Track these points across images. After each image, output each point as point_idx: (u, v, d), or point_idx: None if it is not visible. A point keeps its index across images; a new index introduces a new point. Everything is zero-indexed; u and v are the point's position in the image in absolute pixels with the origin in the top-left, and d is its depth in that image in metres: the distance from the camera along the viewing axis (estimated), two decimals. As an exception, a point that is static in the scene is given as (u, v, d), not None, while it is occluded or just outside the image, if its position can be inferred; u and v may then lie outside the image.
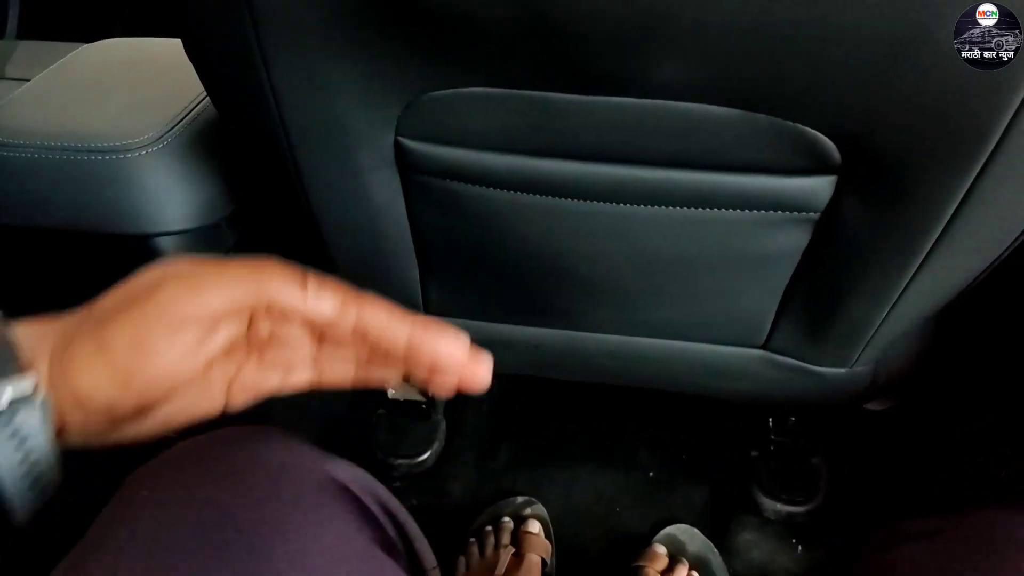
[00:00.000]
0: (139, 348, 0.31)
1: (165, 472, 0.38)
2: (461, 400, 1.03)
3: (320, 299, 0.33)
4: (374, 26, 0.40)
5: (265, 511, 0.37)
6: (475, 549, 0.89)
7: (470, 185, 0.51)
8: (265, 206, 0.65)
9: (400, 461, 0.97)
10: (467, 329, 0.69)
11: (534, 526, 0.90)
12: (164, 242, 0.58)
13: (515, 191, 0.51)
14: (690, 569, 0.85)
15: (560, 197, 0.50)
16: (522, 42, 0.39)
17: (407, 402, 0.99)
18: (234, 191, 0.61)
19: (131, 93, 0.60)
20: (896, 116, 0.39)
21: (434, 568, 0.51)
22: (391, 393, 0.98)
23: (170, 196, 0.56)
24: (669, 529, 0.91)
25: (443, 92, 0.45)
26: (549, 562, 0.87)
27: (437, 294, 0.66)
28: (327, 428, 0.92)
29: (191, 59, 0.47)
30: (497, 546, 0.87)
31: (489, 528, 0.90)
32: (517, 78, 0.44)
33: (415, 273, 0.64)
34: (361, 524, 0.45)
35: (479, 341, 0.73)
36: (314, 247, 0.61)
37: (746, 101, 0.42)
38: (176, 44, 0.68)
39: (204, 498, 0.37)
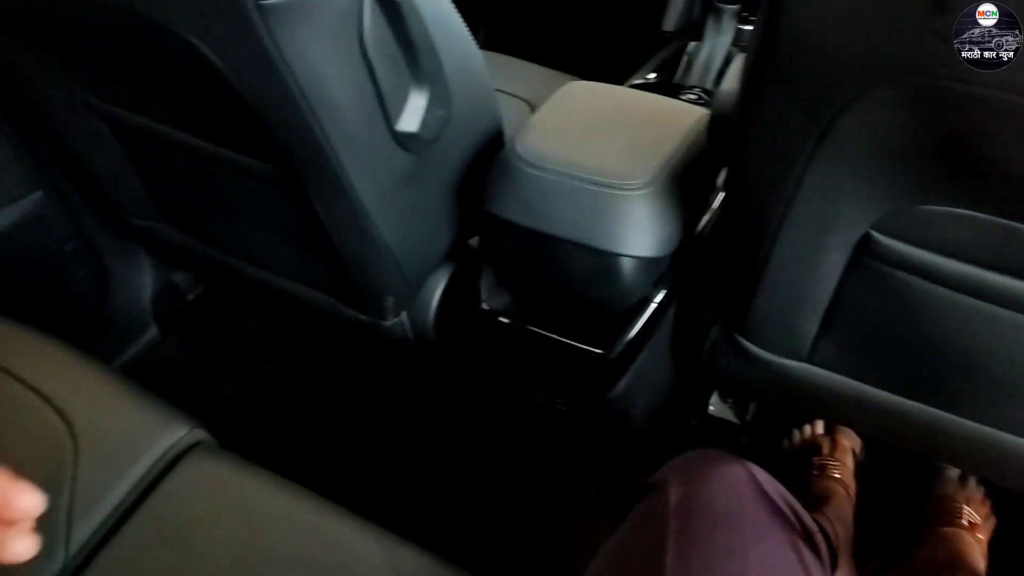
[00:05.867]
0: None
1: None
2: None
3: None
4: (919, 160, 0.50)
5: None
6: (796, 434, 1.05)
7: (919, 279, 0.60)
8: (702, 246, 0.79)
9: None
10: (834, 384, 0.78)
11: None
12: (626, 263, 0.73)
13: (961, 293, 0.59)
14: None
15: (1002, 307, 0.58)
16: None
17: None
18: (685, 231, 0.75)
19: (625, 137, 0.75)
20: None
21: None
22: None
23: (648, 228, 0.71)
24: None
25: (933, 208, 0.55)
26: (859, 453, 1.01)
27: (826, 349, 0.75)
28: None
29: (725, 157, 0.61)
30: (813, 432, 1.04)
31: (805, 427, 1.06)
32: (1004, 210, 0.52)
33: (813, 327, 0.73)
34: (788, 532, 0.56)
35: (843, 396, 0.82)
36: (738, 286, 0.73)
37: None
38: (646, 97, 0.84)
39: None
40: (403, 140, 0.66)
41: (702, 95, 1.24)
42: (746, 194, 0.62)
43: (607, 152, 0.74)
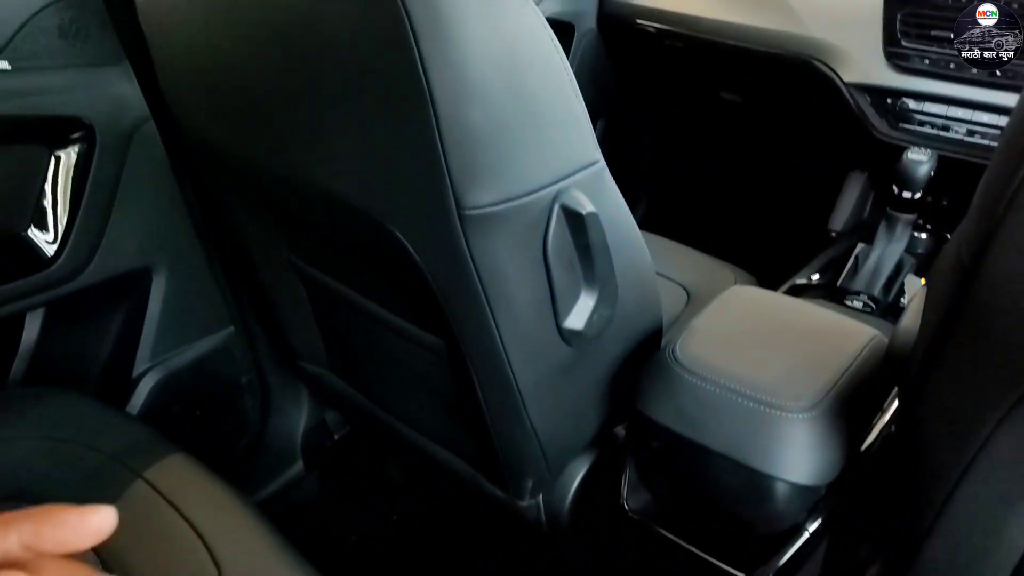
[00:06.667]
0: None
1: None
2: None
3: None
4: None
5: None
6: None
7: None
8: (863, 473, 0.74)
9: None
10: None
11: None
12: (781, 487, 0.70)
13: None
14: None
15: None
16: None
17: None
18: (846, 459, 0.71)
19: (791, 353, 0.74)
20: None
21: None
22: None
23: (809, 454, 0.68)
24: None
25: None
26: None
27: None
28: None
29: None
30: None
31: None
32: None
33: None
34: None
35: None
36: (904, 528, 0.67)
37: None
38: (816, 311, 0.82)
39: None
40: (567, 336, 0.68)
41: (868, 303, 1.21)
42: (921, 443, 0.59)
43: (771, 367, 0.72)
